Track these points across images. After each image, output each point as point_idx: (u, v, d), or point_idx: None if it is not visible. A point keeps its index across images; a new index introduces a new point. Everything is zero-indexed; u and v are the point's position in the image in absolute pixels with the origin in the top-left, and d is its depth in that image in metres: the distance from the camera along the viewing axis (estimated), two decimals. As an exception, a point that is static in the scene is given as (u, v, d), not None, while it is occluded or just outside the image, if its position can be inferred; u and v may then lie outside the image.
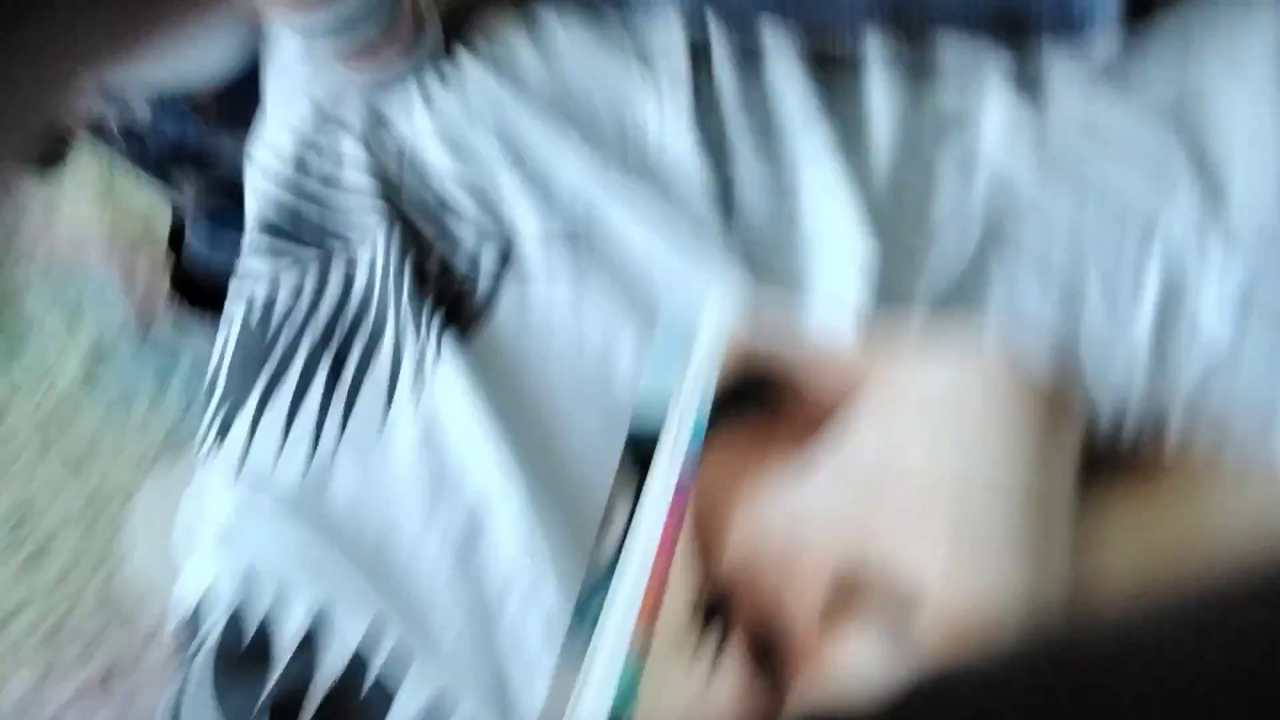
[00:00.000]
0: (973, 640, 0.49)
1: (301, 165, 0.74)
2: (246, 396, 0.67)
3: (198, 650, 0.58)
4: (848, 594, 0.51)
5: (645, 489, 0.58)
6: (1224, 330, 0.60)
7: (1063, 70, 0.69)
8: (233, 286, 0.73)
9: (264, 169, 0.75)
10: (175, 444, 1.25)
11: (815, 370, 0.58)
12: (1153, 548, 0.53)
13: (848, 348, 0.59)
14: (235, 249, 0.76)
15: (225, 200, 1.04)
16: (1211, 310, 0.61)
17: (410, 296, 0.66)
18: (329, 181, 0.73)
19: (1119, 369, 0.60)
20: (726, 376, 0.59)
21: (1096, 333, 0.61)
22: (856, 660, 0.50)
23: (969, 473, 0.52)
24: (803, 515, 0.54)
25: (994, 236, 0.65)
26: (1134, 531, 0.53)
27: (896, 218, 0.66)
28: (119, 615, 1.17)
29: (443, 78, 0.75)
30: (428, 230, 0.71)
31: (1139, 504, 0.54)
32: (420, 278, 0.67)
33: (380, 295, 0.68)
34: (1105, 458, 0.55)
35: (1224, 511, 0.54)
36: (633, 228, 0.68)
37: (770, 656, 0.51)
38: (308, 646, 0.58)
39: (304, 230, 0.73)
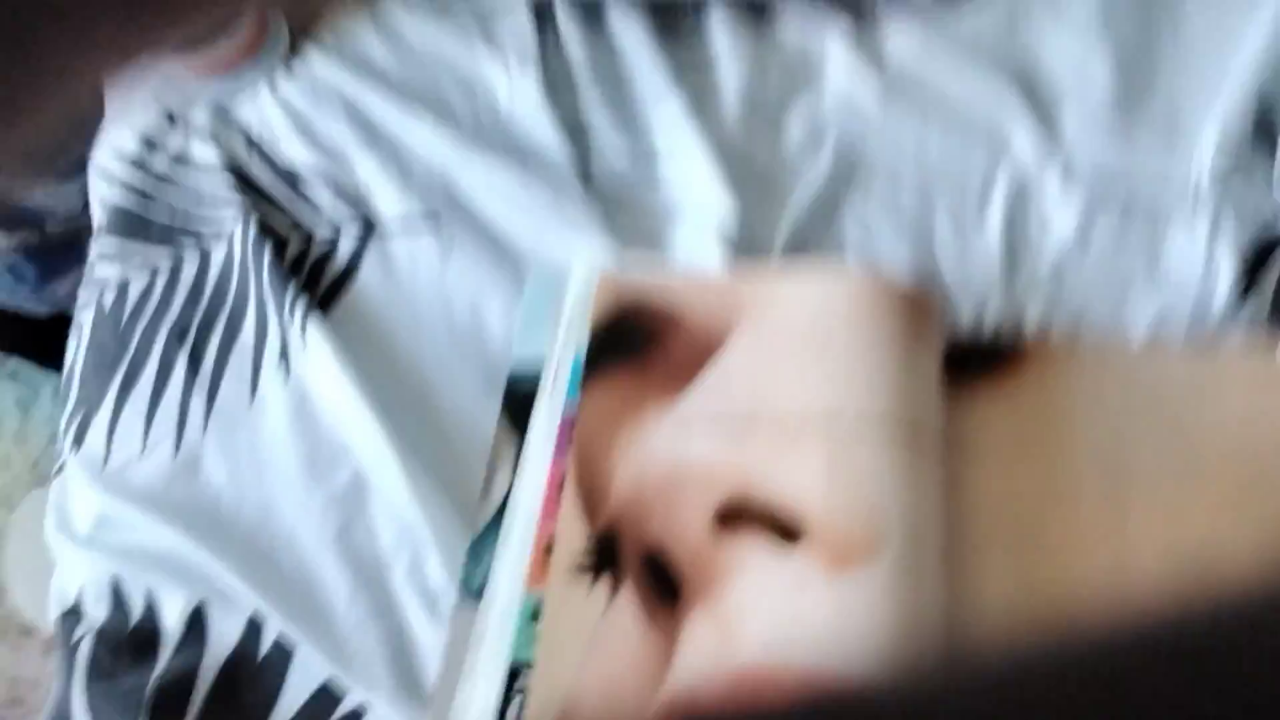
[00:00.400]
0: (857, 561, 0.51)
1: (144, 163, 0.72)
2: (102, 398, 0.64)
3: (78, 645, 0.55)
4: (734, 518, 0.52)
5: (528, 438, 0.58)
6: (1071, 221, 0.65)
7: (898, 16, 0.73)
8: (81, 294, 0.70)
9: (105, 172, 0.73)
10: (44, 474, 1.20)
11: (690, 303, 0.59)
12: (1020, 433, 0.56)
13: (720, 278, 0.61)
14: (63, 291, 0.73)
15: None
16: (1058, 205, 0.65)
17: (270, 274, 0.65)
18: (174, 177, 0.72)
19: (975, 271, 0.64)
20: (601, 316, 0.60)
21: (951, 240, 0.65)
22: (750, 576, 0.51)
23: (837, 405, 0.54)
24: (683, 458, 0.55)
25: (846, 175, 0.68)
26: (1001, 421, 0.57)
27: (751, 172, 0.68)
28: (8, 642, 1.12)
29: (289, 71, 0.75)
30: (285, 214, 0.70)
31: (1004, 395, 0.57)
32: (280, 256, 0.66)
33: (239, 279, 0.66)
34: (969, 356, 0.59)
35: (1083, 391, 0.57)
36: (492, 202, 0.69)
37: (664, 579, 0.52)
38: (190, 638, 0.56)
39: (152, 228, 0.71)
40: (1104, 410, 0.56)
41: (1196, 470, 0.55)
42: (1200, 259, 0.63)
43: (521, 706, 0.51)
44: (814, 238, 0.66)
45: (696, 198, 0.66)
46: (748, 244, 0.64)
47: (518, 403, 0.60)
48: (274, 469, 0.59)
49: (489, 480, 0.58)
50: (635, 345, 0.59)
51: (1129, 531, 0.54)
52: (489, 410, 0.60)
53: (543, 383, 0.59)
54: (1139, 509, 0.54)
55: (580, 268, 0.62)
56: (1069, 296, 0.63)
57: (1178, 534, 0.54)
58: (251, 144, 0.72)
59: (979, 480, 0.55)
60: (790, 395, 0.55)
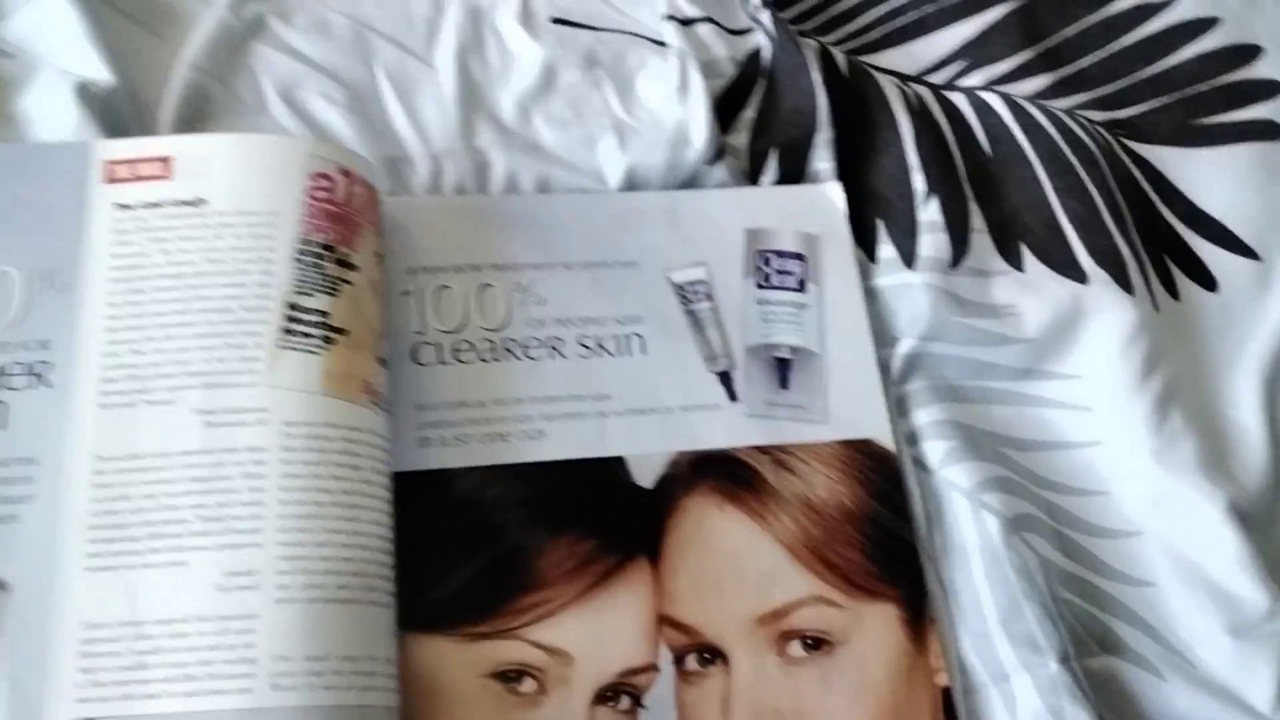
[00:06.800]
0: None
1: None
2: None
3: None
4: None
5: None
6: (532, 51, 0.56)
7: None
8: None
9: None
10: None
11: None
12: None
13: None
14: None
15: None
16: (514, 29, 0.57)
17: None
18: None
19: (428, 113, 0.54)
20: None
21: (398, 85, 0.55)
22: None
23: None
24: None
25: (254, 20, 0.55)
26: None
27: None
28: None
29: None
30: None
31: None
32: None
33: None
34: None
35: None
36: None
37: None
38: None
39: None
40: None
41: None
42: (673, 100, 0.56)
43: None
44: (217, 98, 0.53)
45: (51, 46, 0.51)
46: (126, 106, 0.51)
47: None
48: None
49: None
50: None
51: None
52: None
53: None
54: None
55: None
56: (536, 131, 0.55)
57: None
58: None
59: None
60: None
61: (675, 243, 0.52)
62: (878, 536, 0.47)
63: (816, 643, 0.45)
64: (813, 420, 0.49)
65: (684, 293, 0.51)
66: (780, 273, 0.52)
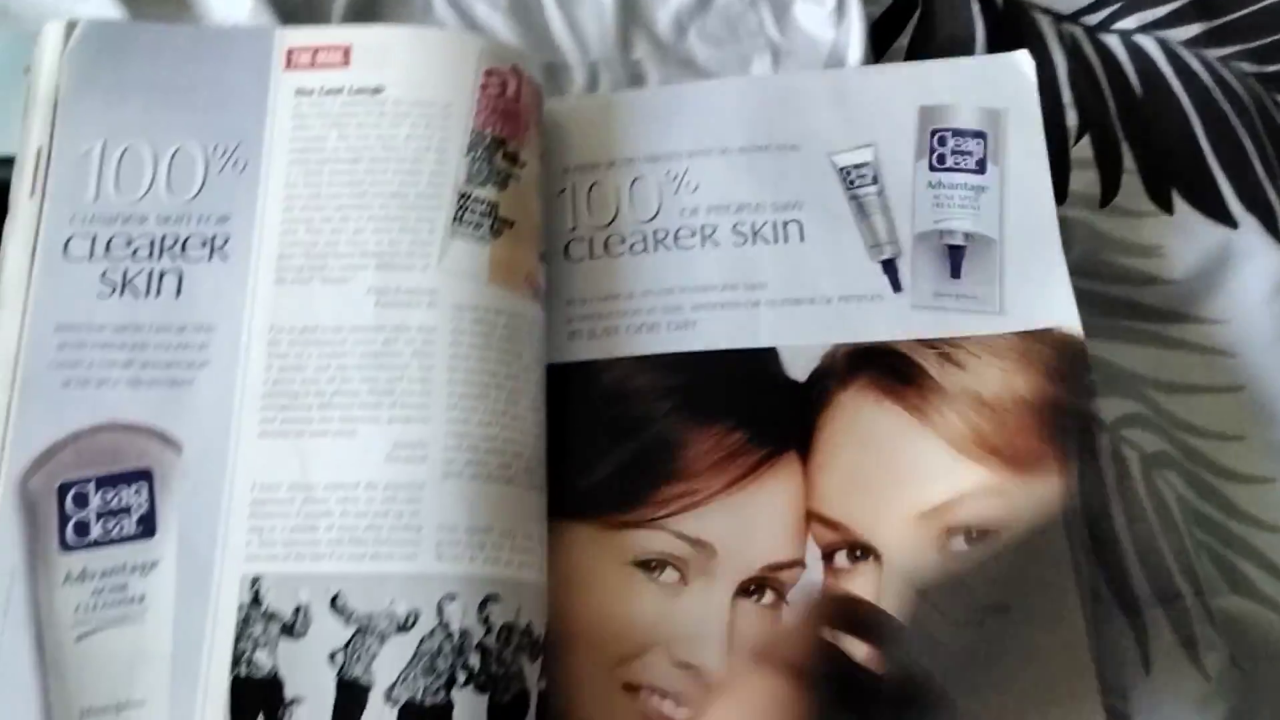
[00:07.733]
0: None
1: None
2: None
3: None
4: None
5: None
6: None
7: None
8: None
9: None
10: None
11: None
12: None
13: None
14: None
15: None
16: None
17: None
18: None
19: (587, 23, 0.55)
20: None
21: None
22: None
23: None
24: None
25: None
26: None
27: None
28: None
29: None
30: None
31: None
32: None
33: None
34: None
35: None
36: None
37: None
38: None
39: None
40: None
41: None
42: (829, 23, 0.56)
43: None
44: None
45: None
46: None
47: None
48: None
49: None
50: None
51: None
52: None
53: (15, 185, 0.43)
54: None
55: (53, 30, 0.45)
56: (690, 46, 0.56)
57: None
58: None
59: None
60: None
61: (840, 124, 0.49)
62: (1059, 420, 0.43)
63: (982, 535, 0.42)
64: (986, 311, 0.45)
65: (848, 176, 0.48)
66: (957, 153, 0.48)
